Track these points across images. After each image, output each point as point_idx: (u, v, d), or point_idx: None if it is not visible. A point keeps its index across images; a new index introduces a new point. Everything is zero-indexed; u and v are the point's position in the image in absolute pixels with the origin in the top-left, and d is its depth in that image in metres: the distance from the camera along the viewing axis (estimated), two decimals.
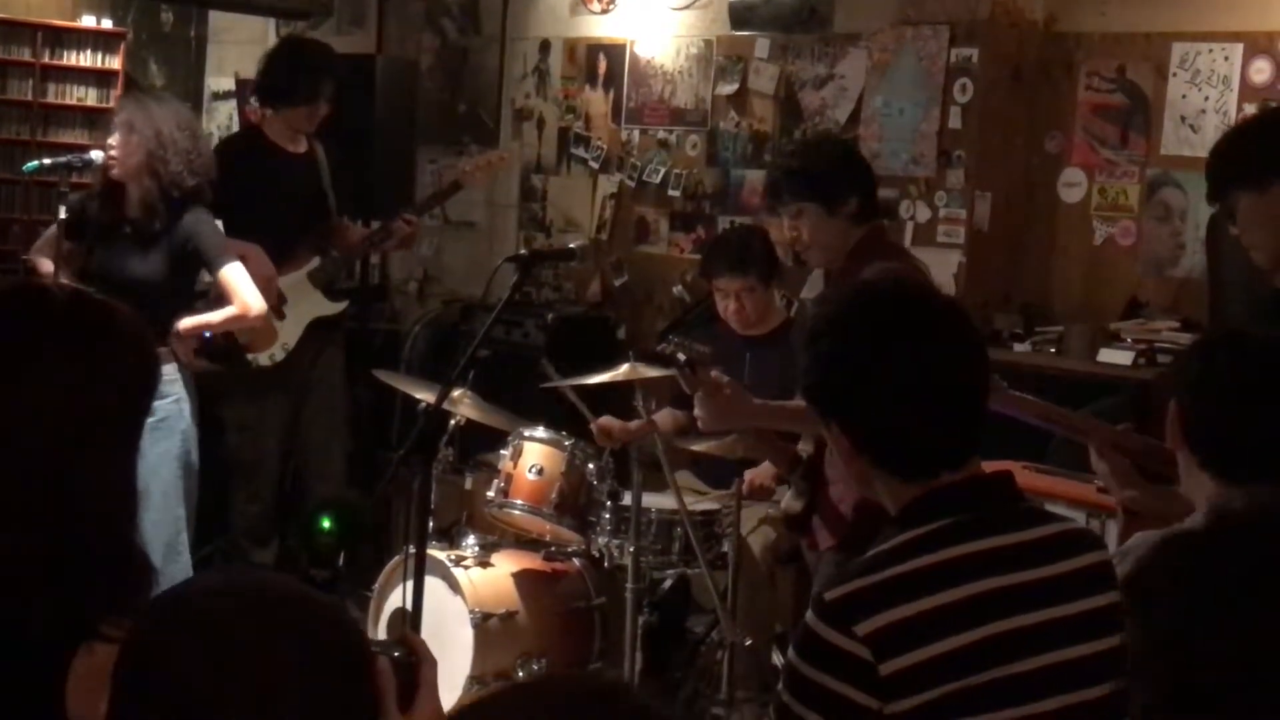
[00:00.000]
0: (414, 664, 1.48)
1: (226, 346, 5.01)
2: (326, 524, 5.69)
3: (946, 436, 2.01)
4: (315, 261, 5.44)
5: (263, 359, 5.34)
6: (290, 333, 5.38)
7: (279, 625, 1.29)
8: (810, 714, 1.91)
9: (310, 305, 5.43)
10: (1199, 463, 2.28)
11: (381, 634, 4.60)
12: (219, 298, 4.69)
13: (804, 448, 3.88)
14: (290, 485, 5.81)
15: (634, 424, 4.72)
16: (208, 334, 4.85)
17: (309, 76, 5.37)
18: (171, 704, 1.26)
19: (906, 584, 1.93)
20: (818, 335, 2.10)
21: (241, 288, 4.58)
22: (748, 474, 4.49)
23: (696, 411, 3.60)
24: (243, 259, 5.27)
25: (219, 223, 4.72)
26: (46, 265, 4.72)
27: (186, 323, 4.54)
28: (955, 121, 5.30)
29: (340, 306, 5.57)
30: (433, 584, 4.31)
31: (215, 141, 8.10)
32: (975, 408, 2.04)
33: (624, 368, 4.38)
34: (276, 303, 5.31)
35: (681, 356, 3.52)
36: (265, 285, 5.23)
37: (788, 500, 3.90)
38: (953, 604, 1.92)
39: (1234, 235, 3.09)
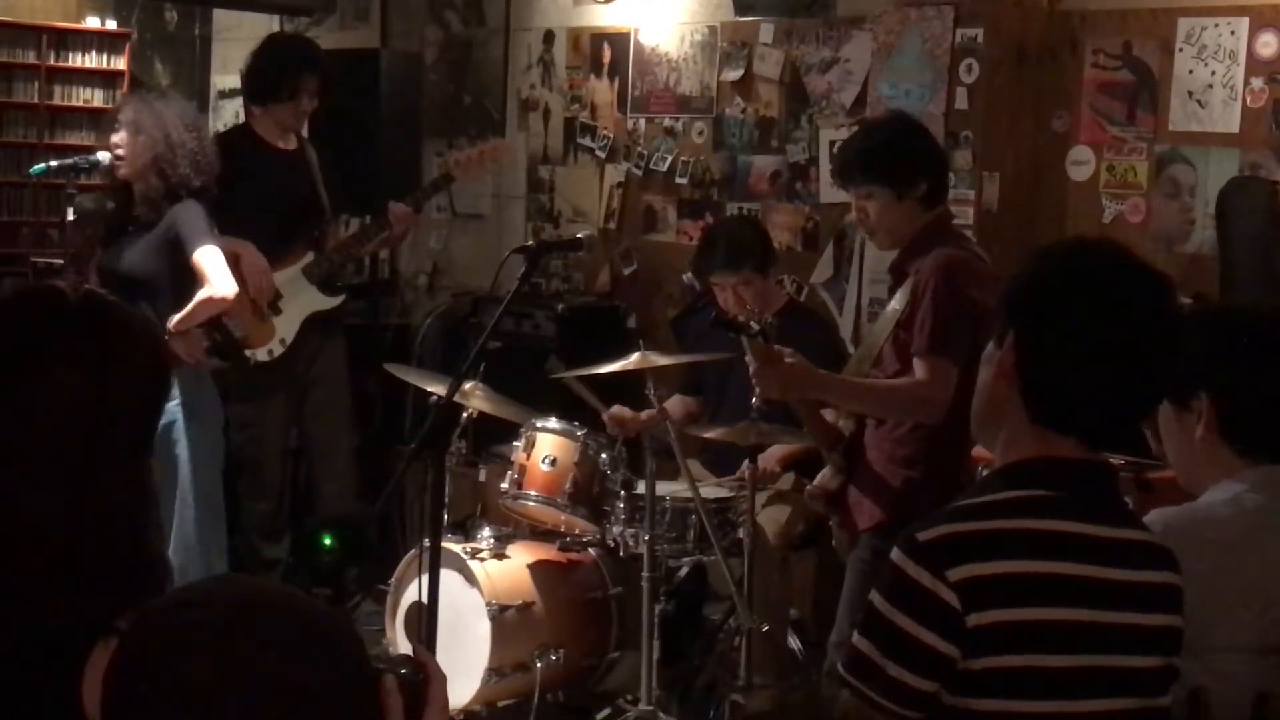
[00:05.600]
0: (422, 681, 1.41)
1: (225, 342, 5.01)
2: (328, 541, 5.67)
3: (1106, 406, 1.96)
4: (309, 257, 5.44)
5: (260, 354, 5.34)
6: (287, 328, 5.38)
7: (273, 640, 1.24)
8: (887, 660, 1.89)
9: (306, 300, 5.43)
10: (1235, 450, 2.28)
11: (399, 628, 4.61)
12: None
13: (845, 424, 3.89)
14: (302, 483, 5.81)
15: (645, 414, 4.73)
16: (216, 333, 4.84)
17: (289, 73, 5.37)
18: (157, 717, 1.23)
19: (1006, 540, 1.90)
20: (1048, 251, 2.06)
21: (211, 270, 4.51)
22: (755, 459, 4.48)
23: (756, 380, 3.66)
24: (235, 256, 5.28)
25: (203, 212, 4.68)
26: None
27: (174, 320, 4.50)
28: (962, 102, 5.28)
29: (337, 301, 5.55)
30: (449, 577, 4.32)
31: None
32: (1145, 396, 2.02)
33: (634, 356, 4.38)
34: (273, 298, 5.32)
35: (754, 325, 3.57)
36: (259, 280, 5.24)
37: (827, 477, 3.90)
38: (1047, 575, 1.90)
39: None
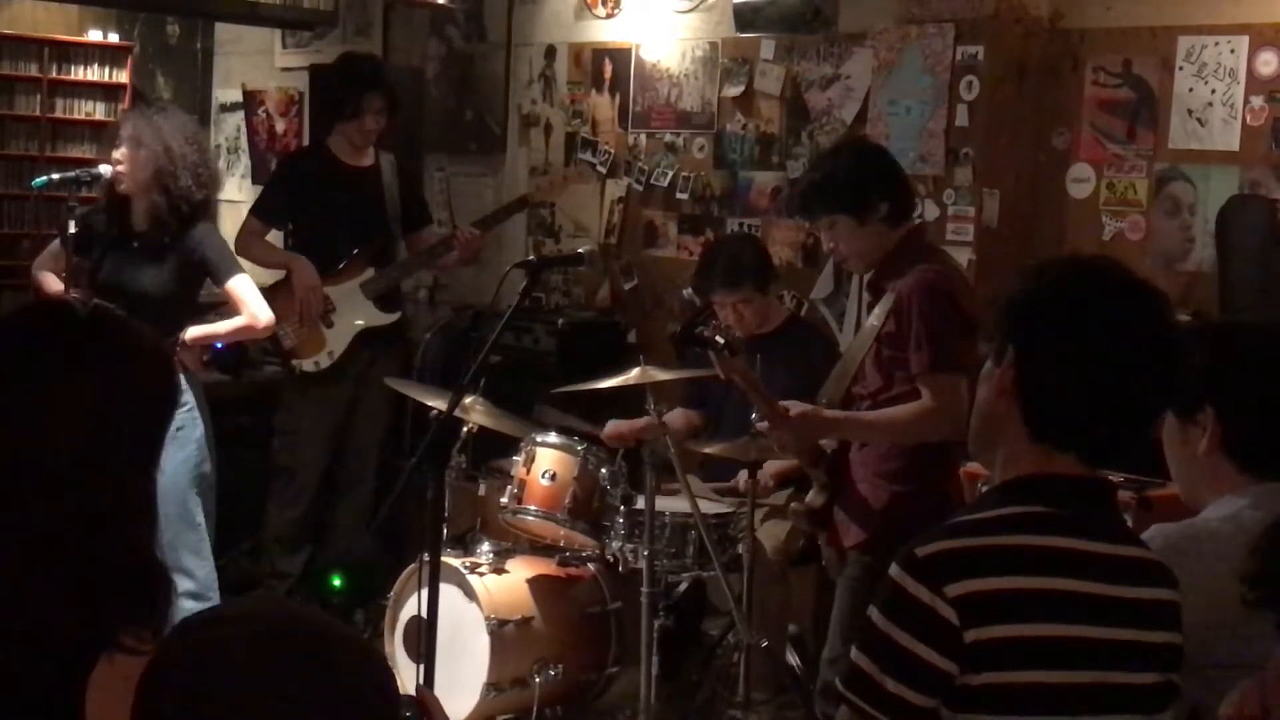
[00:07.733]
0: None
1: (240, 354, 5.05)
2: (337, 582, 5.65)
3: (1104, 422, 1.96)
4: (369, 272, 5.51)
5: (307, 365, 5.42)
6: (338, 341, 5.45)
7: (304, 664, 1.26)
8: (885, 676, 1.88)
9: (361, 315, 5.51)
10: (1238, 466, 2.28)
11: (398, 642, 4.61)
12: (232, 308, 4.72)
13: (828, 444, 3.89)
14: (323, 488, 5.75)
15: (642, 421, 4.74)
16: (219, 344, 4.89)
17: (353, 93, 5.46)
18: None
19: (1005, 557, 1.91)
20: (1046, 268, 2.08)
21: (249, 299, 4.63)
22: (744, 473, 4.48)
23: (775, 443, 3.75)
24: (288, 270, 5.38)
25: (222, 237, 4.76)
26: (52, 282, 4.76)
27: (193, 333, 4.57)
28: (962, 119, 5.29)
29: (392, 318, 5.64)
30: (448, 591, 4.32)
31: (221, 153, 8.17)
32: (1142, 413, 2.01)
33: (635, 371, 4.38)
34: (324, 311, 5.39)
35: (720, 340, 3.61)
36: (307, 295, 5.32)
37: (811, 495, 3.91)
38: (1045, 591, 1.90)
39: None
